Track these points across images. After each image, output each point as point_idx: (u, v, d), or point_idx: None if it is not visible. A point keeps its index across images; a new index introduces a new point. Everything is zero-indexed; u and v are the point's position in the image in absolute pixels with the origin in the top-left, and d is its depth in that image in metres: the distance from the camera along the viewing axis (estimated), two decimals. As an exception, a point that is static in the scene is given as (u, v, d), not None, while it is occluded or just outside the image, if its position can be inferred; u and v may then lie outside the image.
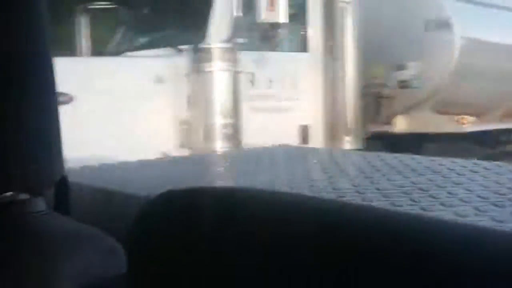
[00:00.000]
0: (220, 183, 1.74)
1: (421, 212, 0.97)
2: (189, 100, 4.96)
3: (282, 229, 0.47)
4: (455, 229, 0.44)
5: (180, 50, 5.10)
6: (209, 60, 4.82)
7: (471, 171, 1.44)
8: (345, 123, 5.70)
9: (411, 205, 1.06)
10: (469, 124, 6.67)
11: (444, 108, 6.72)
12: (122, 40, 5.90)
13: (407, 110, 6.77)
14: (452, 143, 6.65)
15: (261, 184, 1.61)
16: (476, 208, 1.00)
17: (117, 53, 5.60)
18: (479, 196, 1.12)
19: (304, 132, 5.59)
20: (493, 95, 6.91)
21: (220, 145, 4.88)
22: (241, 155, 3.08)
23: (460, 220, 0.90)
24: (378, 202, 1.08)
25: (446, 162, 1.60)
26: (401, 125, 6.80)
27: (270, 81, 5.36)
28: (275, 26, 4.81)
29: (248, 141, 4.81)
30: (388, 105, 6.71)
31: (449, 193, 1.17)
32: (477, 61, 6.55)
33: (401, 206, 1.04)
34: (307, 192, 1.30)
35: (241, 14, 4.95)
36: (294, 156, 2.26)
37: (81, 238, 0.71)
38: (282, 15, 4.76)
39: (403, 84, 6.58)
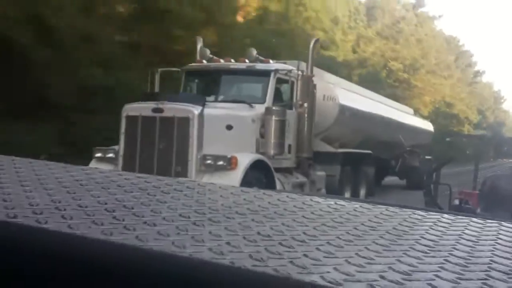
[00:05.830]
0: None
1: (124, 231, 0.99)
2: (261, 129, 10.72)
3: None
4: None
5: (251, 106, 10.81)
6: (270, 113, 10.68)
7: (175, 189, 1.52)
8: (306, 144, 11.96)
9: (113, 223, 1.06)
10: (339, 148, 13.53)
11: (327, 139, 13.44)
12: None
13: (309, 140, 13.26)
14: (330, 157, 13.35)
15: None
16: (177, 227, 1.05)
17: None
18: (181, 215, 1.18)
19: (289, 148, 11.67)
20: (352, 135, 14.01)
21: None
22: None
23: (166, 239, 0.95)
24: (80, 220, 1.06)
25: (152, 179, 1.68)
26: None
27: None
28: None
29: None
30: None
31: (153, 211, 1.20)
32: (346, 118, 13.50)
33: (103, 224, 1.04)
34: None
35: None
36: None
37: None
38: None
39: (309, 126, 13.07)
